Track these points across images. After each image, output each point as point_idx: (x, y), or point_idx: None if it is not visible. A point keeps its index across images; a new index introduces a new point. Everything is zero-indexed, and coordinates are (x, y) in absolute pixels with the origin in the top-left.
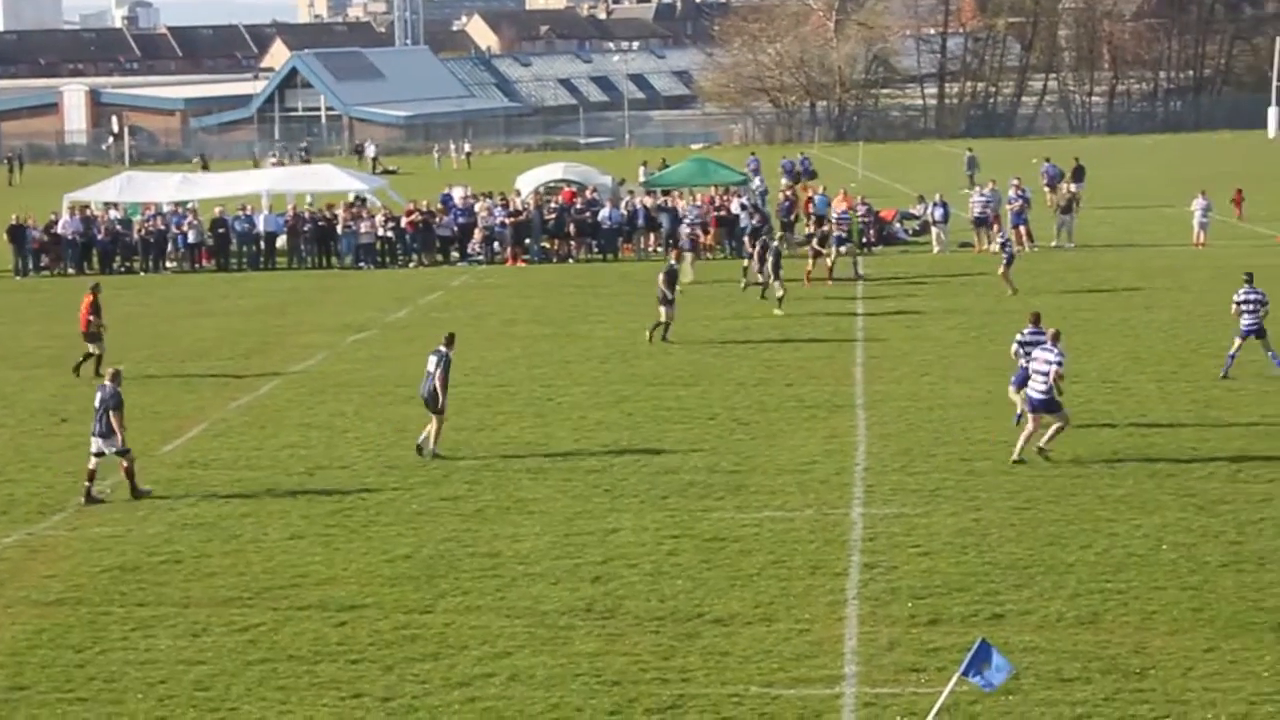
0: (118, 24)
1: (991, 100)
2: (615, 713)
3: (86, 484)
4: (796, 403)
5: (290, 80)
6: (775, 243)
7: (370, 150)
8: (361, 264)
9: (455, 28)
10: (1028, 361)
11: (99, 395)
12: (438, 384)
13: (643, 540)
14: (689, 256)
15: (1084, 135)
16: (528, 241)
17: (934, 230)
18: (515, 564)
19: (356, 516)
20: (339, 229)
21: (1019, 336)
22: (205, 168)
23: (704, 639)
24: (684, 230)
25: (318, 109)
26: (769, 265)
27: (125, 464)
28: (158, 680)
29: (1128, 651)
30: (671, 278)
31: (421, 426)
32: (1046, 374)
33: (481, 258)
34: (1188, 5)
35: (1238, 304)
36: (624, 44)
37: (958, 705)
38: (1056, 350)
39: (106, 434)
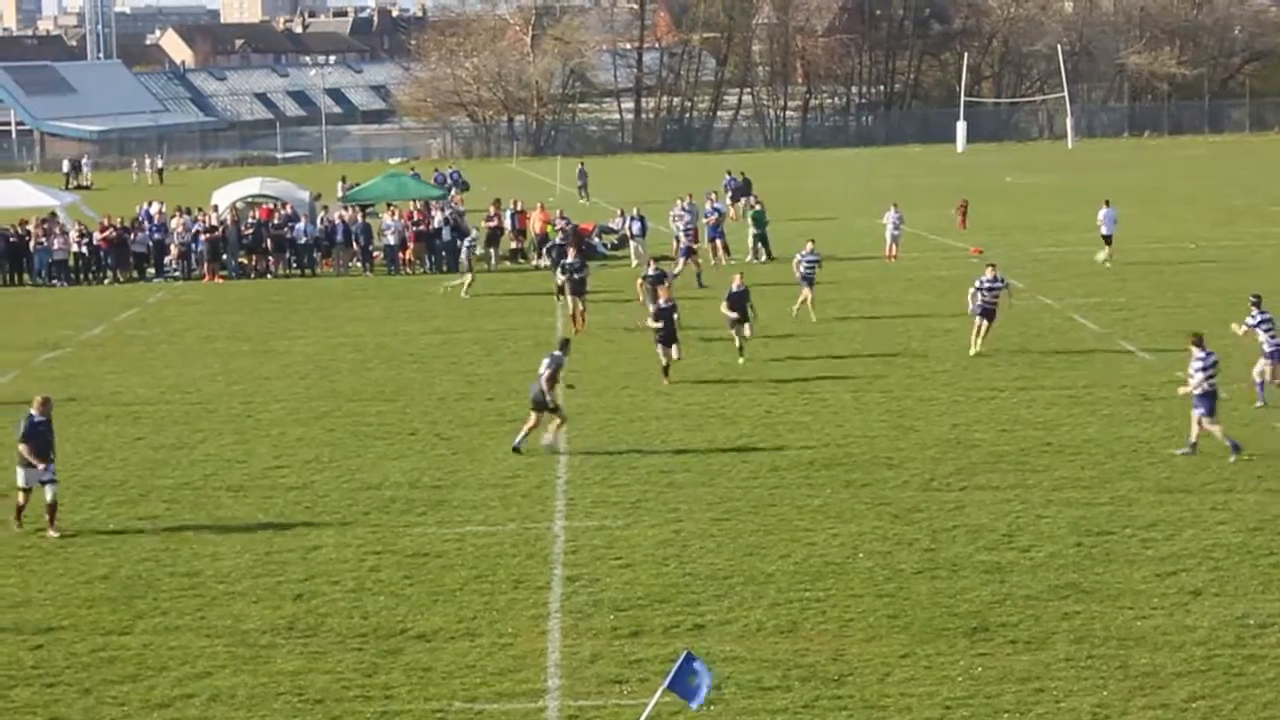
0: None
1: (687, 115)
2: None
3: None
4: (498, 417)
5: None
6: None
7: (86, 166)
8: (55, 281)
9: (149, 41)
10: (1212, 383)
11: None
12: (544, 384)
13: (344, 557)
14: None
15: (778, 149)
16: (224, 257)
17: (632, 244)
18: (215, 583)
19: (52, 537)
20: (31, 245)
21: (1197, 363)
22: None
23: (407, 655)
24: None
25: (7, 123)
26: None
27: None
28: None
29: (826, 659)
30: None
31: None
32: None
33: (178, 274)
34: (878, 21)
35: (1250, 328)
36: (321, 58)
37: (661, 717)
38: None
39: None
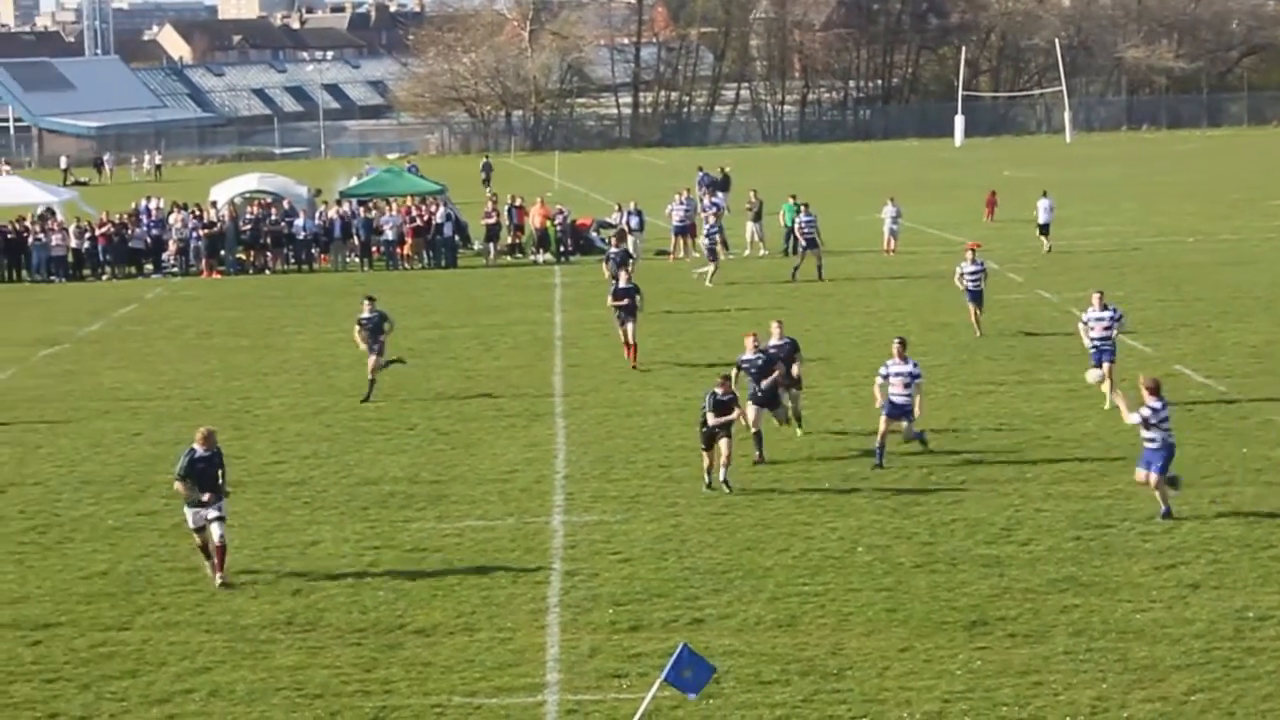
0: None
1: (685, 109)
2: None
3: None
4: (496, 412)
5: None
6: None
7: (108, 163)
8: (53, 277)
9: (146, 37)
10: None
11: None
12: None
13: (343, 552)
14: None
15: (776, 144)
16: (223, 253)
17: (630, 238)
18: None
19: (50, 534)
20: (29, 241)
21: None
22: None
23: (406, 650)
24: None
25: (6, 120)
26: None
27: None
28: None
29: (825, 653)
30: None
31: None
32: None
33: (176, 270)
34: (876, 16)
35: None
36: (318, 54)
37: (660, 710)
38: None
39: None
